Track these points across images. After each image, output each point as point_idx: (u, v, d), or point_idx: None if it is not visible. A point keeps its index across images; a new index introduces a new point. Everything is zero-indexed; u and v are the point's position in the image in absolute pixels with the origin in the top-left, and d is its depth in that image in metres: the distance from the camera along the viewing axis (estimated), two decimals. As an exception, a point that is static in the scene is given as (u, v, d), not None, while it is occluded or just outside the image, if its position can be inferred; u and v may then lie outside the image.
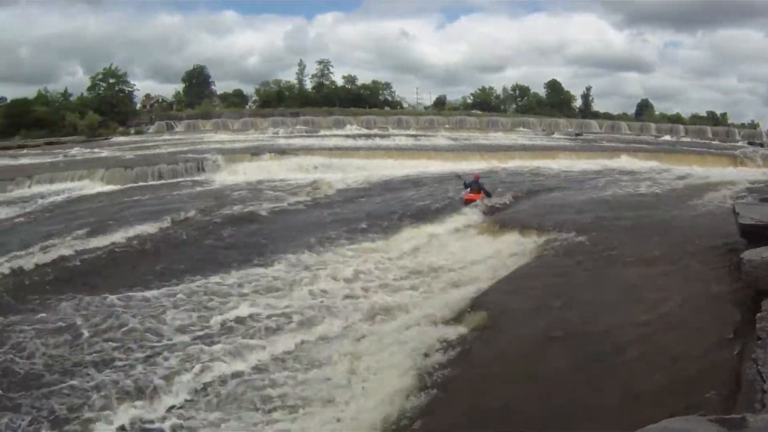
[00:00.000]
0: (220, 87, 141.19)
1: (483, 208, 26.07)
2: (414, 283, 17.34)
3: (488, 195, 28.25)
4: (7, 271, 18.97)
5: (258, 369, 12.47)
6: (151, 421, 10.52)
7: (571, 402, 9.03)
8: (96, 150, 66.38)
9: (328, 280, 17.86)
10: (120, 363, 12.58)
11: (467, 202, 27.77)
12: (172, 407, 11.01)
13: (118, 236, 23.16)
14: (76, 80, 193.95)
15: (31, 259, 20.29)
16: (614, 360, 10.01)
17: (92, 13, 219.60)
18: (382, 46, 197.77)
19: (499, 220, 23.52)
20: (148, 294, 16.94)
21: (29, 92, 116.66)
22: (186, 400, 11.24)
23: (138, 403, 10.90)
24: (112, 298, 16.41)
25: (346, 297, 16.42)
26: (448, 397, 9.95)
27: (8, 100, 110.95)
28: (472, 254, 19.64)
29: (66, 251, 21.02)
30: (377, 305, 15.47)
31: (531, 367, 10.43)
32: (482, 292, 14.91)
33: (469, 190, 28.83)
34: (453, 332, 12.45)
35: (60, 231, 24.45)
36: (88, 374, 12.16)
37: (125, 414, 10.57)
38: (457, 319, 13.30)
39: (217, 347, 13.31)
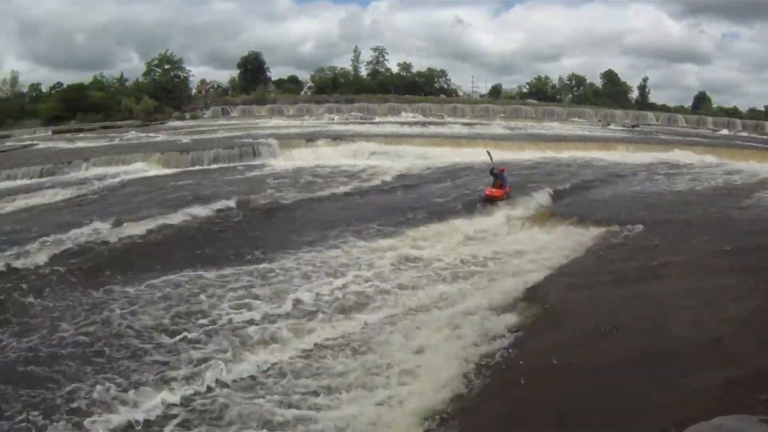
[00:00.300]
0: (275, 73, 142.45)
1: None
2: (466, 272, 17.19)
3: (508, 195, 27.13)
4: (21, 261, 18.70)
5: (307, 353, 12.50)
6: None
7: (622, 398, 8.94)
8: (152, 134, 67.17)
9: (379, 267, 17.81)
10: (102, 360, 12.31)
11: (488, 198, 26.68)
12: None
13: (154, 223, 23.14)
14: (131, 66, 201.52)
15: (59, 244, 20.43)
16: (667, 358, 9.90)
17: (147, 0, 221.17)
18: (437, 33, 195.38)
19: (551, 212, 23.33)
20: (139, 288, 16.52)
21: (85, 78, 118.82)
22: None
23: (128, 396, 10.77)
24: (96, 292, 16.12)
25: (398, 285, 16.31)
26: (498, 387, 9.92)
27: (64, 86, 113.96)
28: (525, 245, 19.46)
29: (92, 238, 21.12)
30: (429, 294, 15.43)
31: (582, 360, 10.34)
32: (535, 283, 14.76)
33: (492, 182, 27.81)
34: (505, 322, 12.41)
35: (100, 215, 24.64)
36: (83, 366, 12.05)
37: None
38: (509, 309, 13.21)
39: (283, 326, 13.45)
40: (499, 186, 27.25)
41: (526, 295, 13.90)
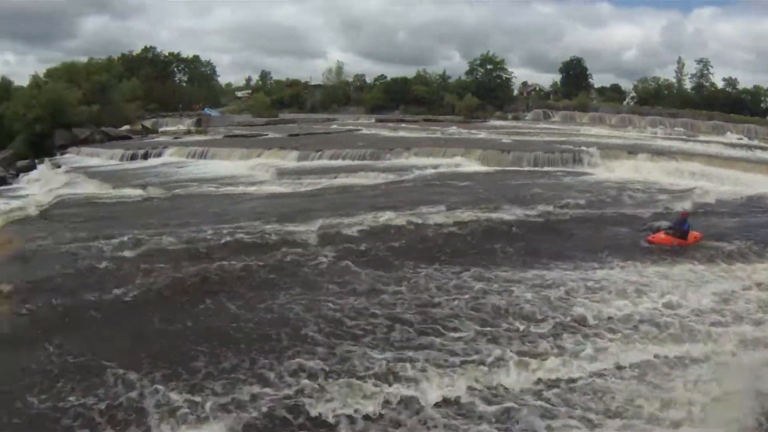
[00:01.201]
0: (597, 80, 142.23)
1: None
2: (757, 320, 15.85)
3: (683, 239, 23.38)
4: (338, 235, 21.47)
5: (600, 374, 12.48)
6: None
7: None
8: (473, 131, 69.54)
9: (684, 297, 16.97)
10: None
11: (652, 242, 23.22)
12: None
13: (465, 216, 24.64)
14: (452, 64, 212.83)
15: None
16: None
17: (468, 2, 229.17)
18: (764, 46, 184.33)
19: None
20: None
21: (405, 72, 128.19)
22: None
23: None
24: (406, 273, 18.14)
25: (693, 319, 15.47)
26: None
27: (388, 78, 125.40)
28: None
29: (400, 222, 23.38)
30: (725, 336, 14.53)
31: None
32: None
33: (671, 232, 23.57)
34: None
35: (413, 201, 26.94)
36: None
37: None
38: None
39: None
40: (680, 235, 23.50)
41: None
